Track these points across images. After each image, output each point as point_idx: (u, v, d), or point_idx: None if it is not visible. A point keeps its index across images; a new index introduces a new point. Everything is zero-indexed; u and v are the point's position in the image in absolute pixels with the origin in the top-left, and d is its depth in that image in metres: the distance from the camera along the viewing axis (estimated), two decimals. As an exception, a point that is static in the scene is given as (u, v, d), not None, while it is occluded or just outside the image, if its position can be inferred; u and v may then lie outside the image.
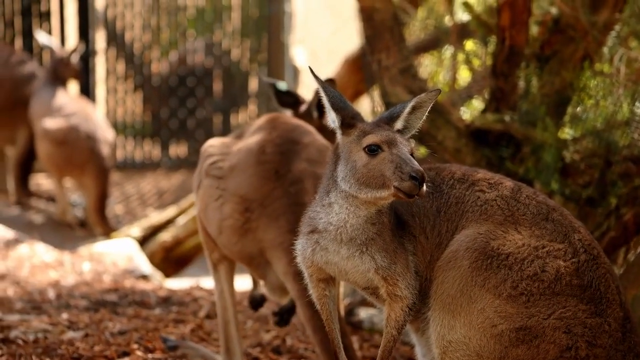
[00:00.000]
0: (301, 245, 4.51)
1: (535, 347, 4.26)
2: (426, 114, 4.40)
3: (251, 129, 5.79)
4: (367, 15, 6.96)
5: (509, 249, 4.34)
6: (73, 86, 14.29)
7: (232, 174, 5.51)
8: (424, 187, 4.11)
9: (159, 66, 17.11)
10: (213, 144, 5.80)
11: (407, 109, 4.37)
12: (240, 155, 5.55)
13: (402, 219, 4.51)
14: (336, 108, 4.43)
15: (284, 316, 5.93)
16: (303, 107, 6.44)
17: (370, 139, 4.25)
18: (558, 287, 4.29)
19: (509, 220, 4.44)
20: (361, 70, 10.11)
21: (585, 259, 4.37)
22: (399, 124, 4.38)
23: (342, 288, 6.12)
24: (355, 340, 6.67)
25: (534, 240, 4.37)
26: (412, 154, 4.23)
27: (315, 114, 6.33)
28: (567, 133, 6.90)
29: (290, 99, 6.49)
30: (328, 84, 4.54)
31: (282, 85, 6.48)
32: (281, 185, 5.44)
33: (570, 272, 4.32)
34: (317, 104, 6.25)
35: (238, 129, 6.12)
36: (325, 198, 4.40)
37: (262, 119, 5.82)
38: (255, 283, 6.15)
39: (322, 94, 4.45)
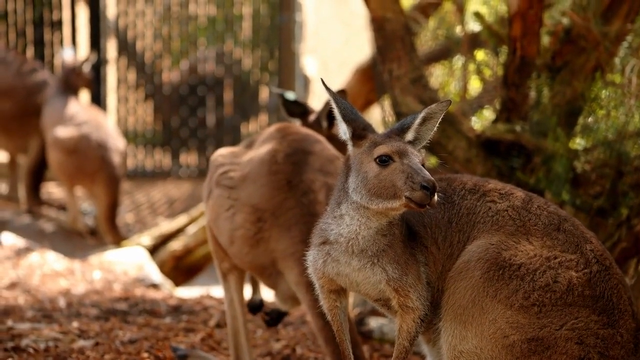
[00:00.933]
0: (312, 257, 4.51)
1: (547, 358, 4.25)
2: (437, 125, 4.40)
3: (261, 139, 5.78)
4: (378, 25, 6.96)
5: (521, 259, 4.34)
6: (84, 95, 14.32)
7: (244, 184, 5.51)
8: (435, 197, 4.12)
9: (169, 75, 17.14)
10: (223, 153, 5.80)
11: (418, 120, 4.38)
12: (252, 165, 5.55)
13: (413, 230, 4.50)
14: (347, 119, 4.43)
15: (273, 316, 5.94)
16: (312, 117, 6.44)
17: (381, 150, 4.26)
18: (570, 298, 4.28)
19: (521, 230, 4.44)
20: (372, 80, 10.13)
21: (597, 270, 4.36)
22: (409, 135, 4.38)
23: (351, 298, 6.11)
24: (365, 350, 6.65)
25: (546, 251, 4.37)
26: (423, 165, 4.23)
27: (324, 124, 6.33)
28: (578, 143, 6.89)
29: (298, 109, 6.49)
30: (339, 95, 4.55)
31: (291, 95, 6.48)
32: (293, 196, 5.43)
33: (583, 282, 4.31)
34: (327, 114, 6.26)
35: (248, 138, 6.10)
36: (337, 209, 4.40)
37: (272, 128, 5.81)
38: (254, 288, 6.15)
39: (334, 105, 4.46)
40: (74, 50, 13.23)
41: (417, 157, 4.24)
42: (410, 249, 4.44)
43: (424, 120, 4.38)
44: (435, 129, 4.40)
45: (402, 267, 4.37)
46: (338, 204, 4.40)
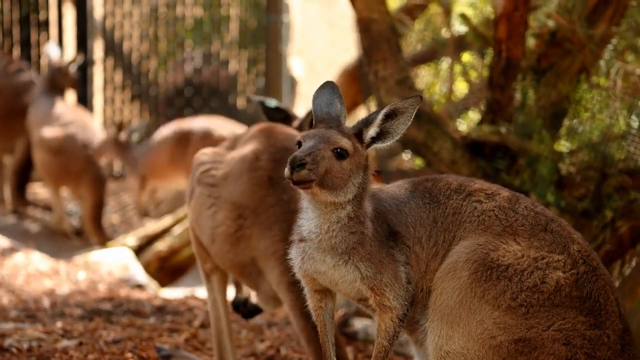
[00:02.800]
0: (293, 254, 4.52)
1: (534, 359, 4.25)
2: (411, 120, 4.38)
3: (244, 138, 5.78)
4: (365, 26, 6.96)
5: (509, 260, 4.34)
6: (71, 95, 14.29)
7: (226, 182, 5.51)
8: (302, 172, 4.14)
9: (156, 76, 17.10)
10: (206, 152, 5.79)
11: (380, 117, 4.37)
12: (234, 163, 5.54)
13: (394, 230, 4.50)
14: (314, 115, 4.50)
15: (250, 308, 5.95)
16: (295, 123, 6.37)
17: (298, 137, 4.35)
18: (558, 298, 4.28)
19: (508, 231, 4.44)
20: (358, 81, 10.12)
21: (584, 270, 4.36)
22: (372, 131, 4.39)
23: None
24: (349, 351, 6.66)
25: (533, 252, 4.37)
26: (339, 148, 4.25)
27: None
28: (563, 145, 6.91)
29: (280, 115, 6.42)
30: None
31: (271, 103, 6.43)
32: (274, 193, 5.43)
33: (570, 283, 4.31)
34: (310, 121, 6.22)
35: (232, 137, 6.09)
36: (302, 202, 4.43)
37: (255, 128, 5.81)
38: (238, 287, 6.14)
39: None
40: (58, 47, 13.17)
41: (314, 139, 4.25)
42: (388, 249, 4.44)
43: (390, 115, 4.37)
44: (408, 124, 4.38)
45: (376, 265, 4.38)
46: (301, 196, 4.43)
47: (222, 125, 11.81)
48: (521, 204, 4.55)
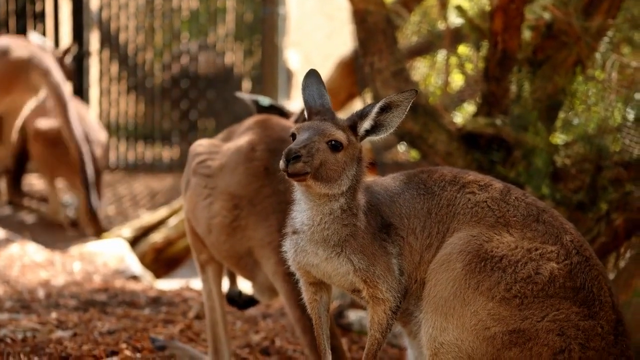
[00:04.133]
0: (286, 247, 4.52)
1: (528, 350, 4.26)
2: (405, 113, 4.39)
3: (240, 130, 5.78)
4: (360, 17, 6.96)
5: (503, 251, 4.34)
6: (67, 87, 14.25)
7: (222, 172, 5.51)
8: (298, 164, 4.15)
9: (152, 68, 17.07)
10: (201, 143, 5.80)
11: (376, 109, 4.38)
12: (230, 153, 5.54)
13: (388, 221, 4.50)
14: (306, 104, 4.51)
15: (245, 299, 5.95)
16: (291, 120, 6.36)
17: (292, 129, 4.35)
18: (551, 289, 4.29)
19: (501, 222, 4.44)
20: (354, 73, 10.14)
21: (577, 261, 4.37)
22: (366, 124, 4.39)
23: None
24: (344, 342, 6.66)
25: (527, 243, 4.38)
26: (333, 141, 4.26)
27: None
28: (558, 138, 6.91)
29: (274, 113, 6.39)
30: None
31: (265, 101, 6.39)
32: (270, 183, 5.43)
33: (564, 274, 4.32)
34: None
35: (228, 129, 6.08)
36: (295, 194, 4.43)
37: (251, 120, 5.81)
38: (231, 279, 6.14)
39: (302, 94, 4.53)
40: (41, 37, 13.11)
41: (309, 132, 4.26)
42: (381, 241, 4.44)
43: (385, 108, 4.38)
44: (402, 117, 4.39)
45: (369, 257, 4.38)
46: (295, 188, 4.44)
47: (21, 46, 11.76)
48: (512, 195, 4.56)
